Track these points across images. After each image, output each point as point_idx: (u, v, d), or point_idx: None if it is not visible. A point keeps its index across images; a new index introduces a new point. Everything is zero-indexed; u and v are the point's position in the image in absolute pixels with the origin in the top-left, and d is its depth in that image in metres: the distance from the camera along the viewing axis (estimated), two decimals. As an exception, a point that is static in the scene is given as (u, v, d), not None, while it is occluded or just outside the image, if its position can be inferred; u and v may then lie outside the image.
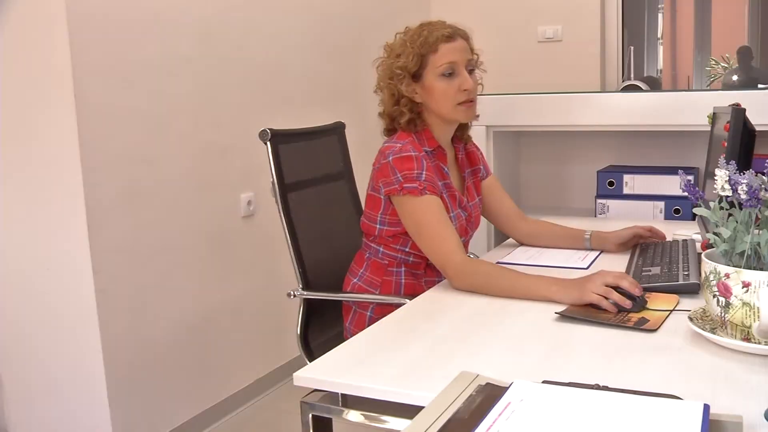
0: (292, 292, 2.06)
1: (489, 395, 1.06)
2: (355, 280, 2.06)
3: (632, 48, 3.97)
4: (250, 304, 3.08)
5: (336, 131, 2.47)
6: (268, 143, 2.05)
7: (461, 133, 2.11)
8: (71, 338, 2.48)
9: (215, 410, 2.90)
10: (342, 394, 1.37)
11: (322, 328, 2.16)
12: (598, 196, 3.24)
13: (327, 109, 3.51)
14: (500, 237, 2.83)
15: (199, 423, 2.82)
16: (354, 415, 1.39)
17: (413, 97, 1.94)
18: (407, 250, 1.98)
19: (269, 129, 2.05)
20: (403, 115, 1.94)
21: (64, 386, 2.54)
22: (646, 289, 1.61)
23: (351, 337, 2.04)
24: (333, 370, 1.32)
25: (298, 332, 2.09)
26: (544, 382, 1.12)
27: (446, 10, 4.27)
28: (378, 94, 2.02)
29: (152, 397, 2.62)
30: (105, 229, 2.41)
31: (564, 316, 1.52)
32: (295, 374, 1.32)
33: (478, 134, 2.82)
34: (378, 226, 1.98)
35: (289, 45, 3.27)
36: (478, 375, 1.12)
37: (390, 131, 2.03)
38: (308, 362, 2.08)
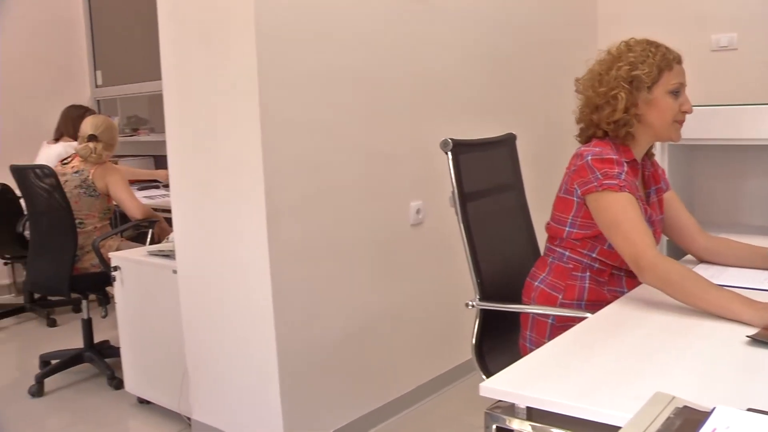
0: (470, 303, 2.08)
1: (689, 419, 1.03)
2: (536, 284, 2.07)
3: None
4: (415, 310, 3.13)
5: (508, 142, 2.48)
6: (449, 153, 2.08)
7: (648, 150, 2.09)
8: (249, 335, 2.62)
9: (378, 413, 2.97)
10: (528, 407, 1.38)
11: (496, 338, 2.17)
12: (780, 213, 3.06)
13: (492, 120, 3.51)
14: (673, 253, 2.73)
15: (361, 425, 2.89)
16: (540, 430, 1.39)
17: (633, 106, 1.94)
18: (594, 255, 1.98)
19: (451, 139, 2.08)
20: (630, 125, 1.95)
21: (241, 379, 2.69)
22: None
23: (530, 345, 2.06)
24: (518, 383, 1.33)
25: (473, 342, 2.12)
26: (748, 410, 1.09)
27: (615, 20, 4.19)
28: (577, 97, 2.03)
29: (320, 395, 2.72)
30: (283, 233, 2.53)
31: (756, 340, 1.46)
32: (481, 384, 1.34)
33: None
34: (567, 229, 1.98)
35: (456, 56, 3.30)
36: (674, 397, 1.10)
37: (586, 137, 2.03)
38: (482, 373, 2.13)
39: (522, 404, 1.33)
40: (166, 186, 4.81)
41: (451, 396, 3.26)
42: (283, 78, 2.49)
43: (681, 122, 2.00)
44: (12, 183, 4.33)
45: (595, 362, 1.39)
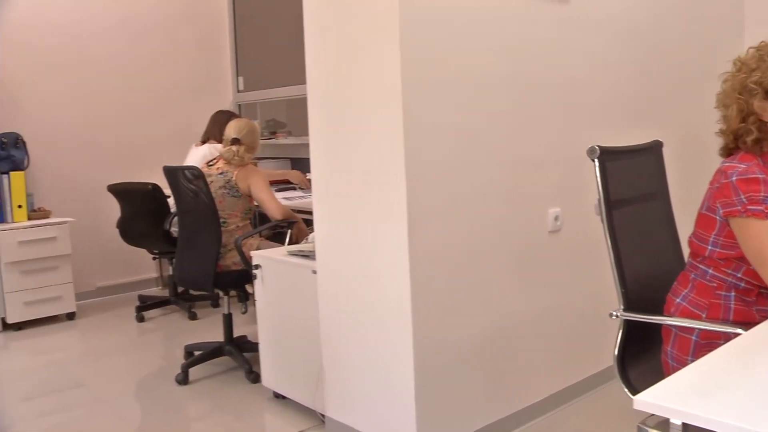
0: (614, 313, 2.03)
1: None
2: (678, 301, 1.99)
3: None
4: (551, 317, 3.09)
5: (654, 150, 2.41)
6: (596, 160, 2.04)
7: None
8: (386, 336, 2.65)
9: (510, 420, 2.94)
10: (684, 423, 1.33)
11: (638, 350, 2.11)
12: None
13: (635, 127, 3.42)
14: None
15: (493, 431, 2.88)
16: (697, 447, 1.34)
17: (762, 114, 1.84)
18: (739, 275, 1.88)
19: (598, 146, 2.04)
20: (750, 134, 1.85)
21: (376, 378, 2.73)
22: None
23: (672, 361, 1.99)
24: (673, 397, 1.29)
25: (616, 353, 2.06)
26: None
27: (763, 28, 3.98)
28: (720, 110, 1.94)
29: (453, 399, 2.72)
30: (423, 237, 2.55)
31: None
32: (635, 397, 1.30)
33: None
34: (709, 248, 1.90)
35: (599, 62, 3.23)
36: None
37: (729, 151, 1.93)
38: (624, 385, 2.07)
39: (678, 420, 1.29)
40: (303, 188, 4.97)
41: (584, 406, 3.19)
42: (426, 83, 2.52)
43: None
44: (161, 182, 4.59)
45: (755, 381, 1.33)
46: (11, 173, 4.83)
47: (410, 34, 2.45)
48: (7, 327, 4.86)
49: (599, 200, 2.05)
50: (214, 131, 4.90)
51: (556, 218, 3.04)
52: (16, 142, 4.97)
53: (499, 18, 2.75)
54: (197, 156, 4.77)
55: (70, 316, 5.10)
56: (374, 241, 2.63)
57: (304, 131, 5.36)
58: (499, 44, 2.76)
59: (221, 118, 4.87)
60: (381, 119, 2.53)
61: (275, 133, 5.69)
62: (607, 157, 2.08)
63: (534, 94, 2.93)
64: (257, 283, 3.33)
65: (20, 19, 5.25)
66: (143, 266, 5.89)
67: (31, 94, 5.33)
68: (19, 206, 4.87)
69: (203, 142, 4.96)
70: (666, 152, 2.47)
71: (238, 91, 6.21)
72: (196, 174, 3.55)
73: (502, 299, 2.87)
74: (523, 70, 2.87)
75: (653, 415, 1.40)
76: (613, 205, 2.07)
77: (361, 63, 2.59)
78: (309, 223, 3.87)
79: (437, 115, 2.57)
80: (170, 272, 5.20)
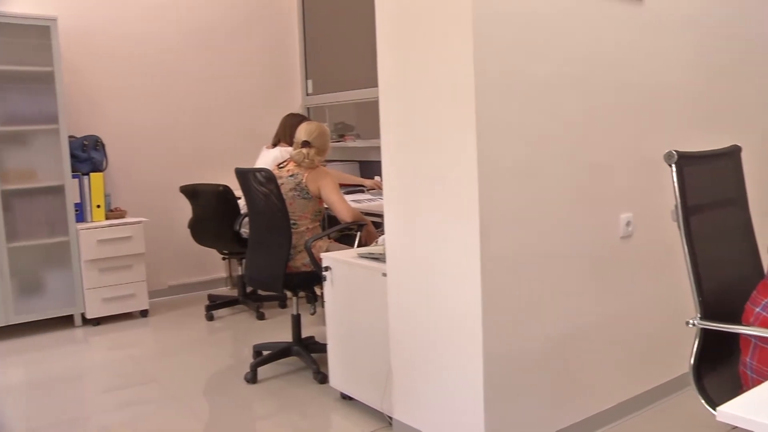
0: (690, 322, 2.00)
1: None
2: (758, 310, 1.94)
3: None
4: (621, 324, 3.04)
5: (733, 155, 2.35)
6: (674, 165, 2.01)
7: None
8: (455, 340, 2.66)
9: (578, 427, 2.91)
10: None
11: (715, 360, 2.06)
12: None
13: (711, 132, 3.35)
14: None
15: (562, 438, 2.86)
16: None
17: None
18: (822, 287, 1.82)
19: (675, 151, 2.01)
20: None
21: (445, 382, 2.73)
22: None
23: (751, 373, 1.94)
24: (760, 410, 1.26)
25: (692, 363, 2.02)
26: None
27: None
28: None
29: (522, 404, 2.70)
30: (494, 240, 2.54)
31: None
32: (719, 409, 1.28)
33: None
34: (791, 258, 1.85)
35: (675, 65, 3.17)
36: None
37: None
38: (699, 395, 2.03)
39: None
40: (371, 190, 5.01)
41: (655, 415, 3.13)
42: (498, 86, 2.51)
43: None
44: (232, 184, 4.68)
45: None
46: (91, 174, 5.00)
47: (483, 37, 2.45)
48: (87, 322, 5.04)
49: (676, 206, 2.02)
50: (284, 134, 4.98)
51: (628, 224, 3.00)
52: (96, 144, 5.14)
53: (571, 20, 2.73)
54: (268, 158, 4.85)
55: (144, 314, 5.25)
56: (445, 245, 2.64)
57: (372, 134, 5.42)
58: (572, 47, 2.74)
59: (292, 122, 4.94)
60: (453, 123, 2.54)
61: (344, 136, 5.74)
62: (685, 162, 2.04)
63: (607, 97, 2.90)
64: (327, 284, 3.37)
65: (100, 26, 5.42)
66: (213, 266, 6.02)
67: (110, 98, 5.50)
68: (98, 206, 5.04)
69: (274, 144, 5.05)
70: (743, 157, 2.41)
71: (307, 94, 6.30)
72: (268, 176, 3.61)
73: (573, 305, 2.84)
74: (595, 72, 2.84)
75: (736, 428, 1.37)
76: (690, 211, 2.03)
77: (434, 66, 2.60)
78: (378, 225, 3.90)
79: (509, 119, 2.56)
80: (239, 272, 5.31)
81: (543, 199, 2.69)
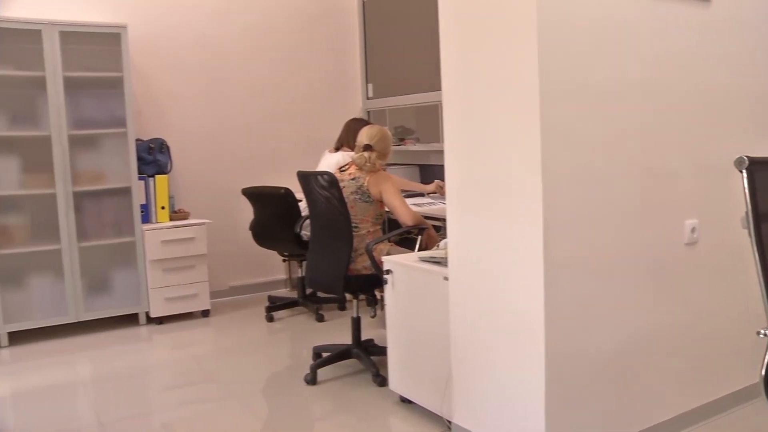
0: (762, 332, 1.95)
1: None
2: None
3: None
4: (685, 333, 2.99)
5: (806, 161, 2.29)
6: (744, 171, 1.97)
7: None
8: (517, 346, 2.64)
9: (641, 437, 2.88)
10: None
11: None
12: None
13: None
14: None
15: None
16: None
17: None
18: None
19: (746, 156, 1.97)
20: None
21: (505, 388, 2.72)
22: None
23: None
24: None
25: (763, 374, 1.98)
26: None
27: None
28: None
29: (583, 411, 2.67)
30: (557, 246, 2.53)
31: None
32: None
33: None
34: None
35: (742, 67, 3.10)
36: None
37: None
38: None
39: None
40: (431, 194, 5.02)
41: (717, 427, 3.06)
42: (563, 91, 2.50)
43: None
44: (292, 186, 4.75)
45: None
46: (156, 176, 5.13)
47: (548, 42, 2.44)
48: (151, 320, 5.17)
49: (747, 213, 1.97)
50: (347, 138, 5.03)
51: (693, 230, 2.94)
52: (161, 147, 5.27)
53: (636, 23, 2.70)
54: (330, 162, 4.91)
55: (205, 314, 5.35)
56: (508, 250, 2.63)
57: (432, 138, 5.44)
58: (636, 50, 2.71)
59: (354, 126, 5.00)
60: (518, 127, 2.54)
61: (404, 140, 5.77)
62: (756, 167, 1.99)
63: (673, 101, 2.85)
64: (388, 288, 3.39)
65: (167, 32, 5.56)
66: (273, 268, 6.11)
67: (174, 102, 5.64)
68: (162, 207, 5.16)
69: (337, 149, 5.10)
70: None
71: (368, 98, 6.34)
72: (331, 180, 3.65)
73: (636, 312, 2.81)
74: (661, 76, 2.80)
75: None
76: (762, 218, 1.99)
77: (498, 71, 2.60)
78: (438, 229, 3.91)
79: (573, 124, 2.54)
80: (299, 274, 5.37)
81: (606, 204, 2.67)
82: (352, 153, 4.33)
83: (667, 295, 2.91)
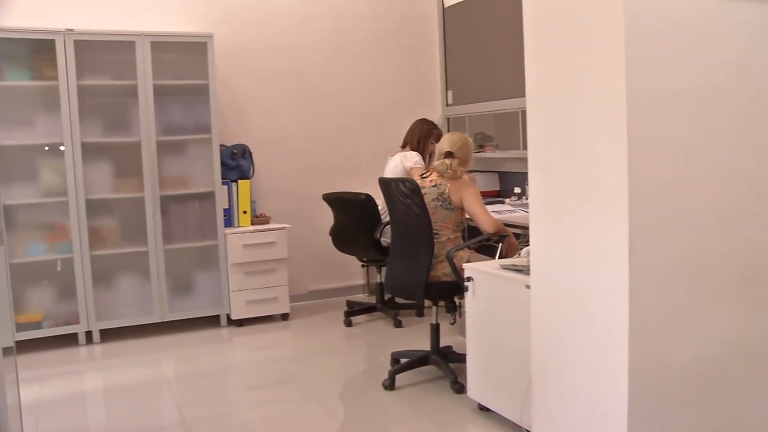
0: None
1: None
2: None
3: None
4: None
5: None
6: None
7: None
8: (600, 356, 2.59)
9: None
10: None
11: None
12: None
13: None
14: None
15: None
16: None
17: None
18: None
19: None
20: None
21: (587, 399, 2.67)
22: None
23: None
24: None
25: None
26: None
27: None
28: None
29: (667, 426, 2.60)
30: (643, 255, 2.47)
31: None
32: None
33: None
34: None
35: None
36: None
37: None
38: None
39: None
40: (512, 201, 4.98)
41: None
42: (650, 96, 2.45)
43: None
44: (372, 192, 4.79)
45: None
46: (239, 181, 5.25)
47: (635, 47, 2.40)
48: (231, 323, 5.29)
49: None
50: (412, 139, 5.07)
51: (790, 241, 2.84)
52: (244, 152, 5.39)
53: (720, 25, 2.62)
54: (390, 166, 4.96)
55: (284, 317, 5.44)
56: (592, 259, 2.59)
57: (511, 145, 5.40)
58: (721, 53, 2.62)
59: (421, 128, 5.03)
60: (603, 135, 2.50)
61: (483, 147, 5.74)
62: None
63: (758, 105, 2.75)
64: (468, 295, 3.38)
65: (250, 40, 5.69)
66: (352, 273, 6.16)
67: (256, 108, 5.76)
68: (245, 212, 5.28)
69: (403, 148, 5.14)
70: None
71: (447, 105, 6.34)
72: (413, 187, 3.66)
73: (726, 323, 2.72)
74: (747, 80, 2.70)
75: None
76: None
77: (585, 77, 2.57)
78: (518, 237, 3.88)
79: (660, 130, 2.49)
80: (377, 279, 5.40)
81: (693, 213, 2.60)
82: (409, 154, 4.34)
83: (756, 307, 2.80)
